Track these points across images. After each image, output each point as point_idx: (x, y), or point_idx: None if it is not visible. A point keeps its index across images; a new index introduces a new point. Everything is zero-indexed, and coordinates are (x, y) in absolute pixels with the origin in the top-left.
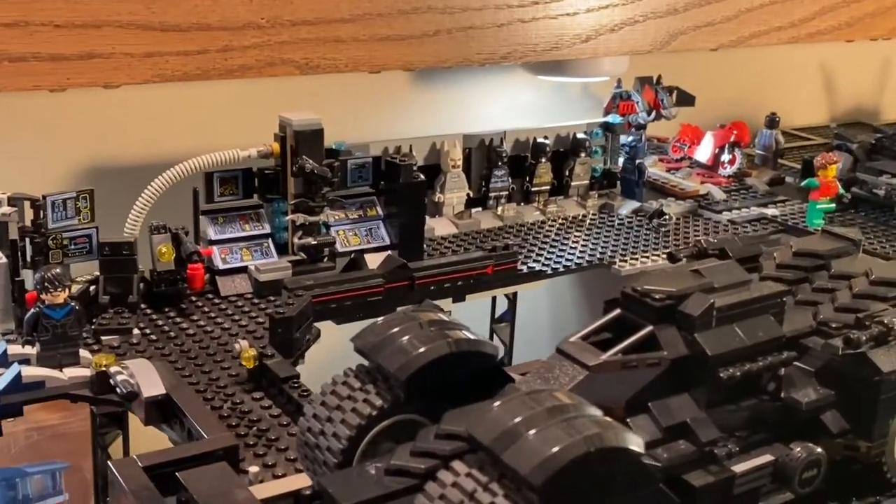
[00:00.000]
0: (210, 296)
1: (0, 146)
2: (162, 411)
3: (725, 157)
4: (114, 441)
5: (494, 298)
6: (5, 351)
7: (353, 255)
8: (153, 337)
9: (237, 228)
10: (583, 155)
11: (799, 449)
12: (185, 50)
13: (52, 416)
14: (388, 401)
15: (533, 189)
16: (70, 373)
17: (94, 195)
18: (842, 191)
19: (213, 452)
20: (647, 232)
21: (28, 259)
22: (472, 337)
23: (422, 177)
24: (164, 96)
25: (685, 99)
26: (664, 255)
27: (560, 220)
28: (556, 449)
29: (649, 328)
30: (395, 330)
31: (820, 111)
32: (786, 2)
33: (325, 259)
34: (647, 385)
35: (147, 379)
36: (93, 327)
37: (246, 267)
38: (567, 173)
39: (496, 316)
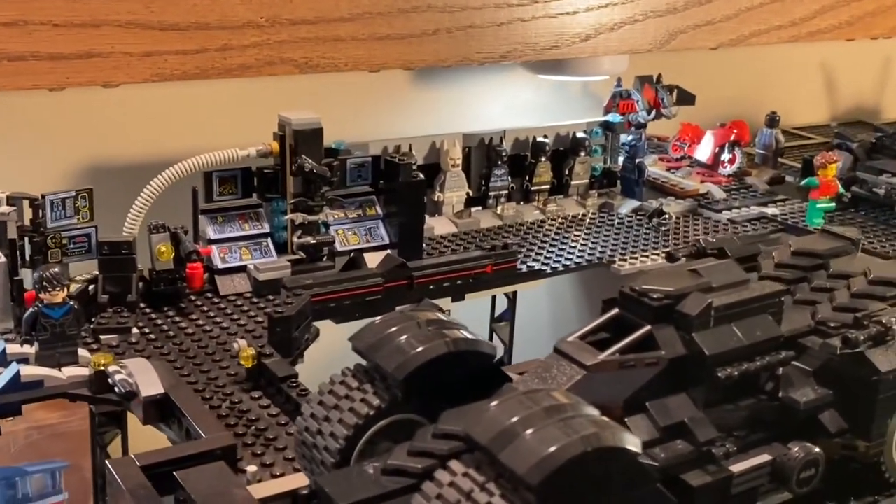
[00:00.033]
0: (209, 295)
1: None
2: (160, 411)
3: (725, 156)
4: (113, 440)
5: (494, 298)
6: (4, 350)
7: (352, 255)
8: (152, 336)
9: (236, 228)
10: (582, 154)
11: (797, 449)
12: (184, 49)
13: (51, 415)
14: (385, 400)
15: (533, 188)
16: (69, 372)
17: (94, 194)
18: (842, 190)
19: (210, 452)
20: (647, 231)
21: (27, 258)
22: (469, 336)
23: (421, 176)
24: (163, 96)
25: (685, 98)
26: (664, 255)
27: (560, 220)
28: (553, 449)
29: (647, 328)
30: (393, 329)
31: (820, 110)
32: (786, 0)
33: (325, 258)
34: (645, 385)
35: (145, 378)
36: (92, 326)
37: (245, 266)
38: (567, 172)
39: (496, 315)
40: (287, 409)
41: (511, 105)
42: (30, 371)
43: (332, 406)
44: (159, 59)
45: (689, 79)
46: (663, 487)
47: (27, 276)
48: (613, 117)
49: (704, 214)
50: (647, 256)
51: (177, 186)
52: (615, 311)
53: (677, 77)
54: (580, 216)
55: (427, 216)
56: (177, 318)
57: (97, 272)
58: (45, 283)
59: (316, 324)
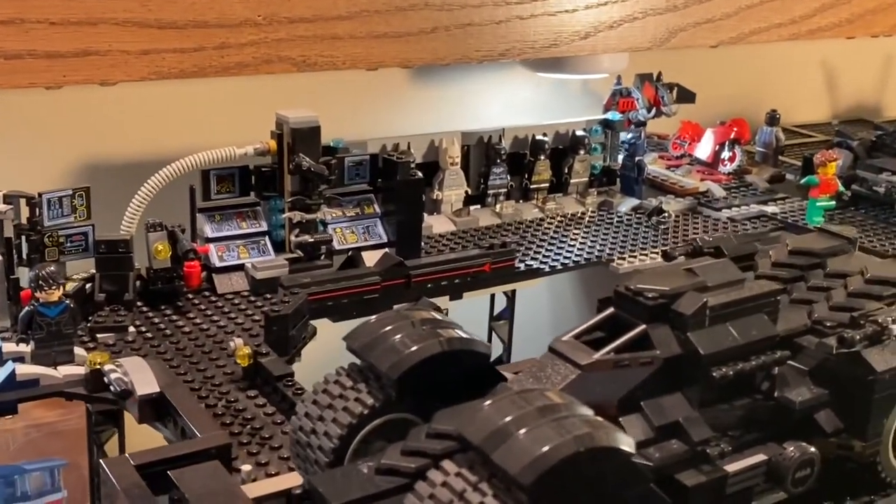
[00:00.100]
0: (207, 293)
1: None
2: (156, 409)
3: (725, 154)
4: (110, 439)
5: (493, 296)
6: (0, 349)
7: (350, 253)
8: (149, 335)
9: (234, 226)
10: (582, 152)
11: (792, 448)
12: (182, 47)
13: (50, 413)
14: (379, 400)
15: (532, 186)
16: (65, 371)
17: (91, 193)
18: (842, 188)
19: (205, 451)
20: (647, 229)
21: (24, 257)
22: (464, 336)
23: (419, 174)
24: (160, 94)
25: (685, 96)
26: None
27: (559, 218)
28: (545, 448)
29: (642, 327)
30: (388, 329)
31: (821, 108)
32: None
33: (322, 257)
34: (640, 384)
35: (141, 377)
36: (88, 325)
37: (243, 264)
38: (566, 170)
39: (495, 314)
40: (283, 408)
41: (510, 103)
42: (26, 370)
43: (326, 405)
44: (157, 58)
45: (689, 77)
46: (657, 487)
47: (24, 275)
48: (613, 115)
49: (704, 213)
50: (645, 255)
51: (174, 185)
52: (610, 310)
53: (677, 75)
54: (579, 214)
55: (426, 214)
56: (174, 317)
57: (94, 271)
58: (41, 282)
59: (313, 322)
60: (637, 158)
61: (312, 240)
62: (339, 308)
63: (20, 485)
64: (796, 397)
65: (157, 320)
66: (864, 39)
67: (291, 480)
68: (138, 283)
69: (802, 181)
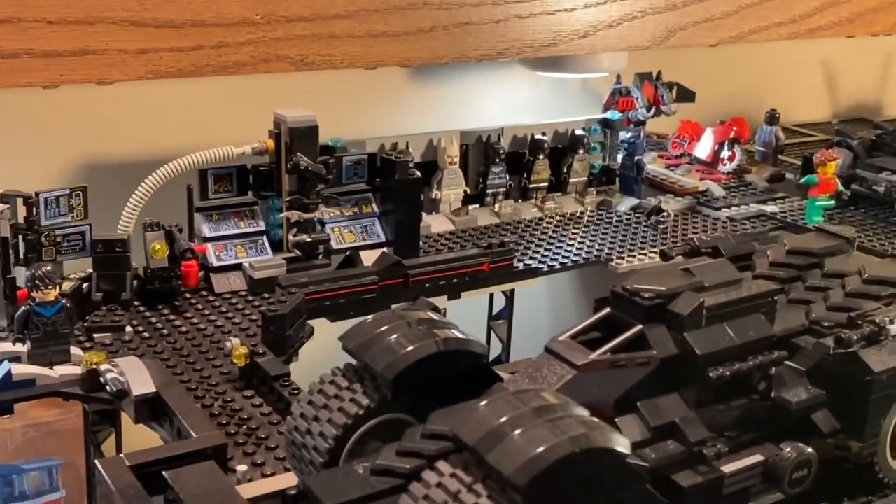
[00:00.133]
0: (204, 293)
1: None
2: (152, 410)
3: (725, 153)
4: (107, 438)
5: (492, 295)
6: None
7: (348, 253)
8: (146, 334)
9: (232, 225)
10: (581, 151)
11: (789, 449)
12: (180, 46)
13: (48, 412)
14: (374, 400)
15: (531, 186)
16: (61, 370)
17: (88, 192)
18: (841, 187)
19: (201, 451)
20: (646, 229)
21: (21, 256)
22: (460, 336)
23: (417, 173)
24: (158, 93)
25: (685, 95)
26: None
27: (558, 217)
28: (540, 449)
29: (639, 327)
30: (383, 329)
31: (822, 107)
32: None
33: (320, 256)
34: (636, 384)
35: (137, 377)
36: (85, 325)
37: (240, 264)
38: (565, 170)
39: (494, 313)
40: (279, 408)
41: (509, 102)
42: (22, 370)
43: (322, 406)
44: (154, 57)
45: (689, 76)
46: (653, 488)
47: (21, 275)
48: (612, 114)
49: (703, 212)
50: (644, 254)
51: (172, 184)
52: (607, 310)
53: (677, 74)
54: (578, 214)
55: (424, 214)
56: (171, 317)
57: (91, 270)
58: (37, 282)
59: (311, 322)
60: (636, 158)
61: (310, 239)
62: (336, 308)
63: (18, 484)
64: (793, 398)
65: (154, 320)
66: (865, 38)
67: (287, 481)
68: (135, 282)
69: (802, 180)
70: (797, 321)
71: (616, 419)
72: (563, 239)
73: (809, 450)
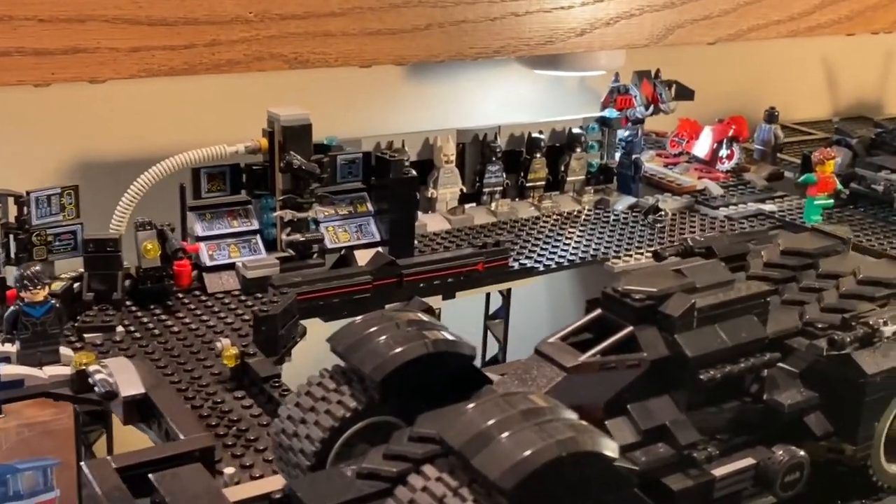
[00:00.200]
0: (197, 293)
1: None
2: (140, 411)
3: (723, 151)
4: (98, 439)
5: (488, 295)
6: None
7: (342, 252)
8: (137, 335)
9: (225, 225)
10: (578, 150)
11: (781, 452)
12: (172, 44)
13: (43, 412)
14: (362, 402)
15: (527, 184)
16: (50, 371)
17: (79, 191)
18: (840, 186)
19: (188, 453)
20: (643, 228)
21: (12, 255)
22: (449, 337)
23: (413, 172)
24: (150, 91)
25: (684, 93)
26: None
27: (555, 216)
28: (527, 453)
29: (629, 329)
30: (372, 330)
31: (821, 105)
32: None
33: (314, 255)
34: (627, 387)
35: (126, 378)
36: (76, 325)
37: (234, 263)
38: (562, 168)
39: (490, 312)
40: (269, 410)
41: (506, 100)
42: (10, 370)
43: (309, 408)
44: (146, 55)
45: (688, 74)
46: (643, 491)
47: (10, 274)
48: (610, 113)
49: (701, 211)
50: (641, 254)
51: (164, 183)
52: (598, 311)
53: (675, 72)
54: (575, 213)
55: (420, 213)
56: (163, 317)
57: (82, 270)
58: (25, 282)
59: (304, 322)
60: (634, 156)
61: (304, 238)
62: (330, 308)
63: (12, 484)
64: (786, 400)
65: (145, 320)
66: (864, 36)
67: (274, 483)
68: (127, 282)
69: (800, 179)
70: (790, 322)
71: (606, 422)
72: (560, 238)
73: (802, 453)
